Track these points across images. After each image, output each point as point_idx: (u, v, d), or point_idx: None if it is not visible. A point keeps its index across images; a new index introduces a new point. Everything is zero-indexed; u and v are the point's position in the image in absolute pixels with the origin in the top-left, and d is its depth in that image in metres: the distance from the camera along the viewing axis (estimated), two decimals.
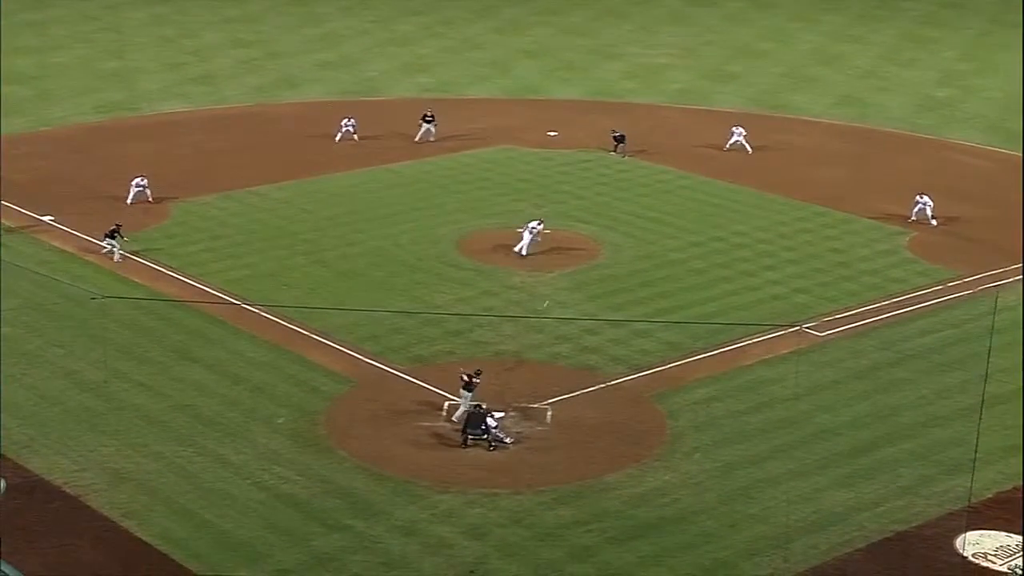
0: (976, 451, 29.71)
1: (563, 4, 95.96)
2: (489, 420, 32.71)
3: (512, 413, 34.23)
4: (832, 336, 39.89)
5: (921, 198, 49.96)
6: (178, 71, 74.36)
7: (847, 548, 29.03)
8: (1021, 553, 28.76)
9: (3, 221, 47.97)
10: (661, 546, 29.03)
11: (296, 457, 32.36)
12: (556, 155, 58.78)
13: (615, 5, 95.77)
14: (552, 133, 61.76)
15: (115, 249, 44.41)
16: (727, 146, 59.18)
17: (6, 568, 26.22)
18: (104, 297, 38.91)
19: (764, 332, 39.21)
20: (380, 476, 31.55)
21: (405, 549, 28.70)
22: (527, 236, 45.77)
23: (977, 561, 28.68)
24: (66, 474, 31.21)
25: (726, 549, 28.95)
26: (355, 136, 59.44)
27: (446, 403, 34.95)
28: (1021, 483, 31.69)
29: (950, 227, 49.74)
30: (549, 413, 34.75)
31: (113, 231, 44.60)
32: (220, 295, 41.91)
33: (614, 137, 58.30)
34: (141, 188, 50.44)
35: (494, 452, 32.69)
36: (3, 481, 30.45)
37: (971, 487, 29.55)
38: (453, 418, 33.97)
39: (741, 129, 59.57)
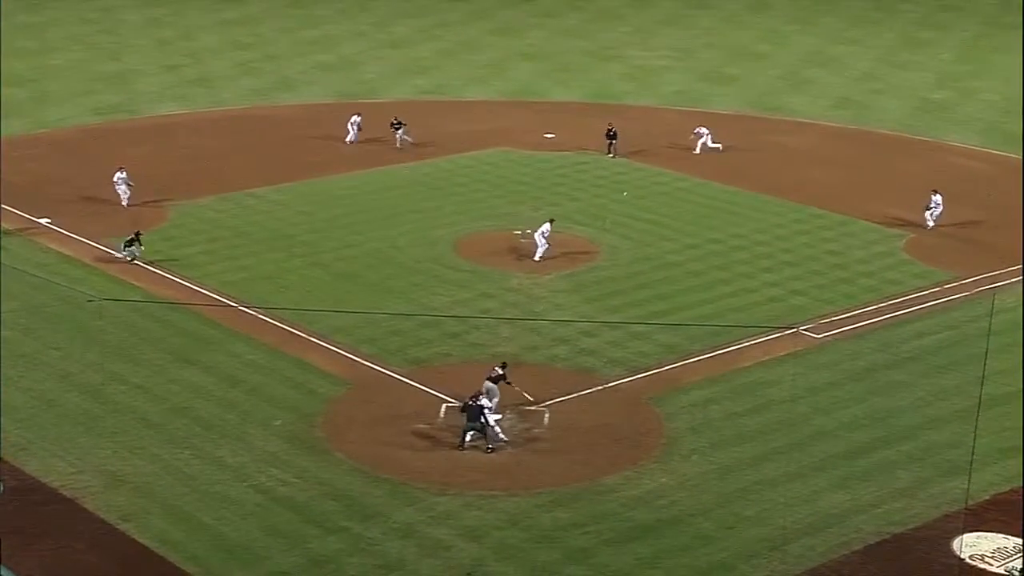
0: (973, 453, 29.73)
1: (560, 6, 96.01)
2: (487, 414, 32.64)
3: (509, 415, 34.24)
4: (829, 338, 39.91)
5: (935, 196, 49.54)
6: (175, 73, 74.36)
7: (844, 550, 29.04)
8: (1020, 555, 28.77)
9: (1, 224, 47.94)
10: (658, 548, 29.03)
11: (293, 459, 32.35)
12: (553, 157, 58.81)
13: (612, 7, 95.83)
14: (549, 135, 61.79)
15: (136, 256, 44.17)
16: (697, 150, 58.99)
17: (5, 572, 26.17)
18: (101, 299, 38.89)
19: (761, 334, 39.23)
20: (377, 478, 31.54)
21: (403, 551, 28.69)
22: (541, 241, 45.49)
23: (974, 563, 28.69)
24: (63, 476, 31.18)
25: (723, 551, 28.96)
26: (358, 133, 59.30)
27: (443, 405, 34.95)
28: (1019, 485, 31.71)
29: (947, 229, 49.75)
30: (546, 415, 34.75)
31: (132, 239, 44.30)
32: (217, 297, 41.88)
33: (607, 135, 58.27)
34: (121, 182, 49.88)
35: (491, 454, 32.69)
36: (0, 484, 30.41)
37: (968, 489, 29.56)
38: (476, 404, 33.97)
39: (705, 129, 59.45)
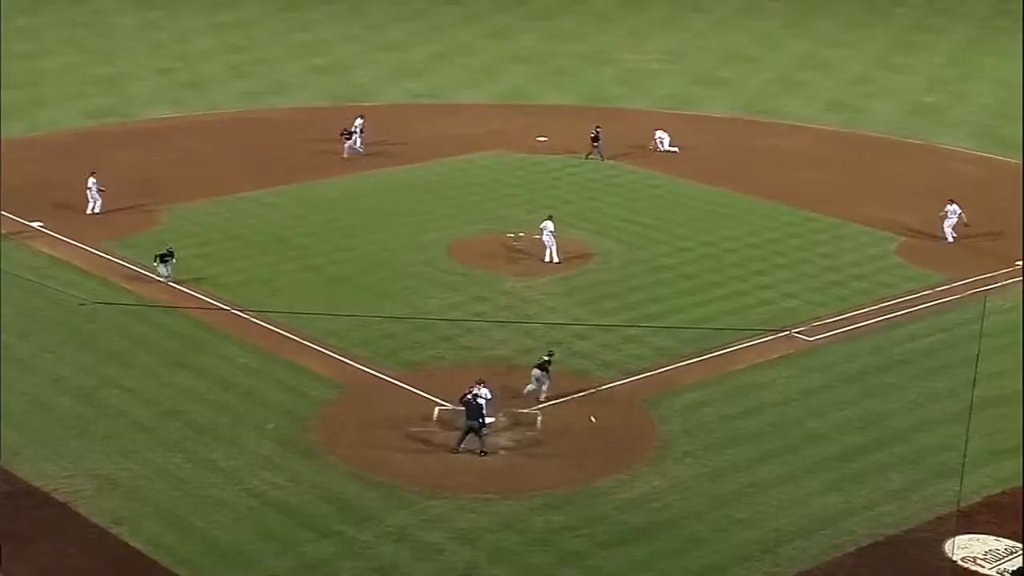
0: (965, 455, 29.78)
1: (553, 9, 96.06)
2: (483, 406, 32.67)
3: (503, 418, 34.25)
4: (822, 341, 39.97)
5: (951, 206, 48.57)
6: (168, 76, 74.30)
7: (837, 552, 29.08)
8: (1012, 556, 28.81)
9: (1, 228, 47.87)
10: (651, 551, 29.06)
11: (286, 463, 32.33)
12: (546, 160, 58.84)
13: (605, 10, 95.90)
14: (542, 138, 61.81)
15: (166, 274, 42.80)
16: (656, 151, 59.05)
17: None
18: (93, 303, 38.83)
19: (754, 337, 39.27)
20: (370, 482, 31.53)
21: (396, 555, 28.69)
22: (550, 240, 45.45)
23: (966, 565, 28.75)
24: (56, 480, 31.14)
25: (716, 554, 28.99)
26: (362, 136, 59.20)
27: (436, 408, 34.95)
28: (1011, 487, 31.78)
29: (939, 233, 49.83)
30: (539, 418, 34.76)
31: (165, 255, 42.90)
32: (210, 300, 41.84)
33: (592, 137, 58.36)
34: (93, 188, 49.40)
35: (485, 457, 32.69)
36: None
37: (960, 491, 29.61)
38: (525, 394, 34.82)
39: (662, 133, 59.50)
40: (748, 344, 39.10)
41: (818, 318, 41.51)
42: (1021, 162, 59.00)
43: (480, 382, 33.65)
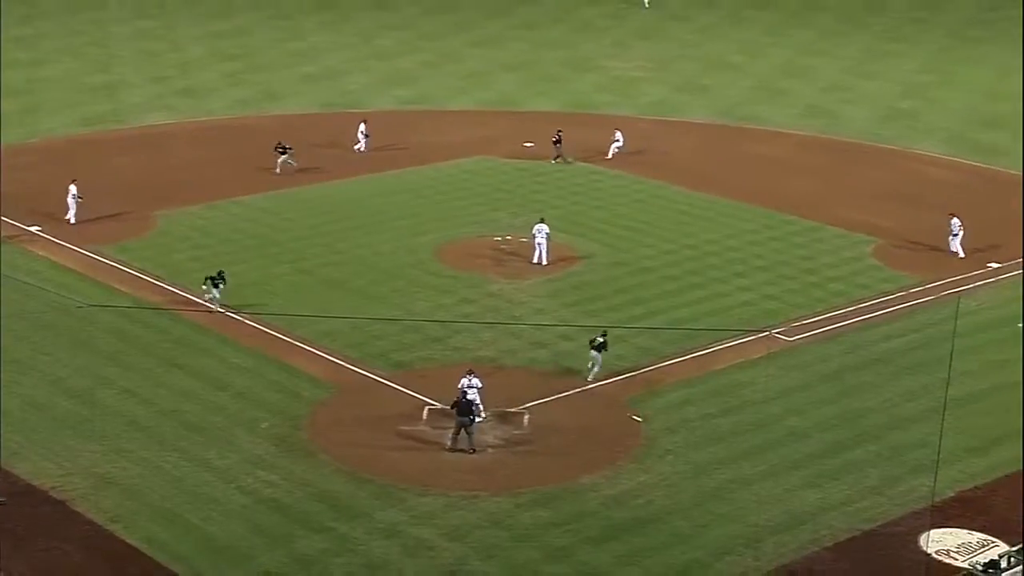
0: (939, 452, 29.86)
1: (540, 19, 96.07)
2: (473, 402, 32.66)
3: (490, 417, 34.21)
4: (800, 341, 40.03)
5: (954, 220, 47.00)
6: (163, 84, 74.07)
7: (815, 547, 29.12)
8: (985, 549, 28.88)
9: (1, 232, 47.63)
10: (635, 546, 29.04)
11: (279, 461, 32.24)
12: (532, 165, 58.81)
13: (591, 20, 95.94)
14: (528, 144, 61.77)
15: (215, 297, 40.42)
16: (610, 154, 59.02)
17: None
18: (90, 305, 38.67)
19: (735, 337, 39.31)
20: (361, 479, 31.46)
21: (387, 551, 28.62)
22: (543, 241, 45.39)
23: (940, 558, 28.82)
24: (53, 479, 31.01)
25: (699, 549, 29.00)
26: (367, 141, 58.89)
27: (426, 408, 34.89)
28: (982, 482, 31.89)
29: (913, 235, 49.98)
30: (527, 417, 34.73)
31: (216, 278, 40.45)
32: (205, 304, 41.65)
33: (554, 141, 58.32)
34: (72, 197, 48.41)
35: (474, 455, 32.64)
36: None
37: (934, 487, 29.68)
38: (588, 378, 35.92)
39: (620, 134, 59.47)
40: (729, 344, 39.14)
41: (797, 319, 41.57)
42: (1012, 169, 59.30)
43: (470, 372, 33.83)
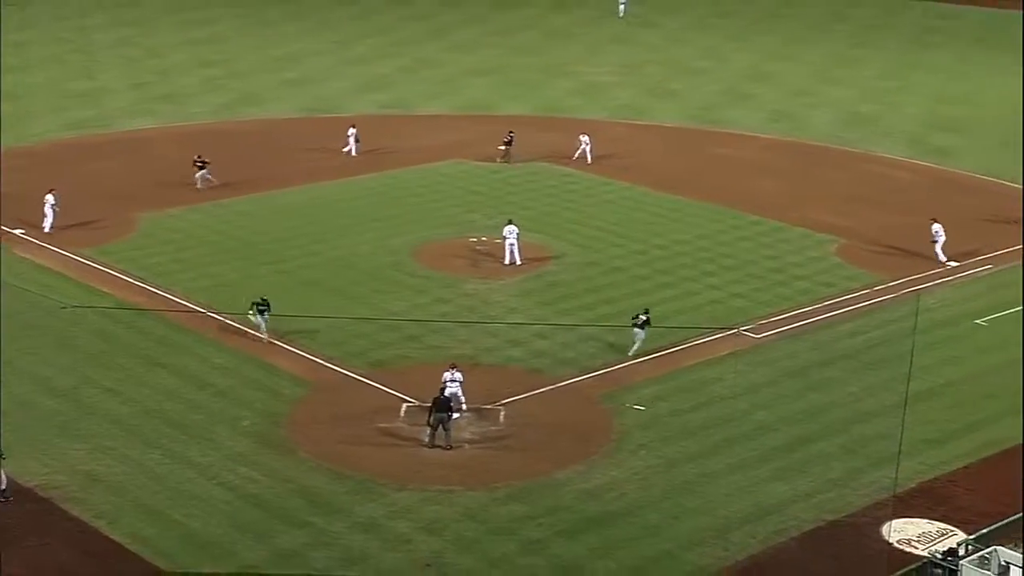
0: (900, 444, 30.07)
1: (513, 25, 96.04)
2: (450, 399, 32.64)
3: (467, 414, 34.19)
4: (767, 338, 40.19)
5: (935, 225, 46.19)
6: (145, 90, 73.59)
7: (782, 537, 29.27)
8: (944, 538, 29.11)
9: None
10: (608, 538, 29.10)
11: (260, 458, 32.11)
12: (505, 168, 58.79)
13: (562, 27, 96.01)
14: (502, 147, 61.69)
15: (262, 325, 38.15)
16: (575, 155, 58.99)
17: None
18: (73, 306, 38.38)
19: (704, 335, 39.45)
20: (340, 475, 31.37)
21: (365, 545, 28.56)
22: (513, 242, 45.27)
23: (901, 547, 29.03)
24: (39, 477, 30.77)
25: (670, 540, 29.08)
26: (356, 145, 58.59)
27: (404, 405, 34.83)
28: (942, 473, 32.16)
29: (874, 235, 50.25)
30: (502, 413, 34.73)
31: (262, 305, 38.14)
32: (185, 303, 41.48)
33: (506, 142, 58.29)
34: (48, 205, 47.22)
35: (451, 452, 32.60)
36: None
37: (896, 478, 29.90)
38: (629, 352, 37.13)
39: (587, 138, 59.45)
40: (698, 342, 39.25)
41: (764, 316, 41.74)
42: (966, 171, 59.80)
43: (453, 366, 33.93)
